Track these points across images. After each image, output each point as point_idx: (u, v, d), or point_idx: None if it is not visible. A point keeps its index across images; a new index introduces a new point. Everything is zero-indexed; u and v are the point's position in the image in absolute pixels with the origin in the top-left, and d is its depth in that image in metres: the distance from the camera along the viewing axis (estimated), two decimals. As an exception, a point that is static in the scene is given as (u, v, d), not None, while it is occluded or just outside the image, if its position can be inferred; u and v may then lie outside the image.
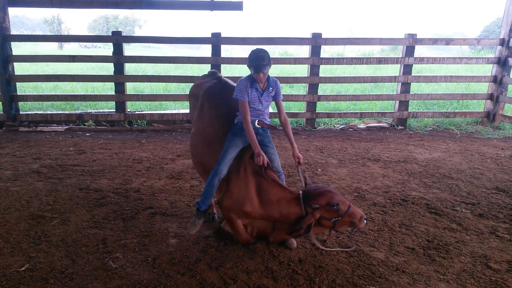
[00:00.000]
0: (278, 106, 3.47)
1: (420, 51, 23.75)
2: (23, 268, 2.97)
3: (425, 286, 2.90)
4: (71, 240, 3.42)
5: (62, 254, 3.20)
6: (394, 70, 14.06)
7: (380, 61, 8.77)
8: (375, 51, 22.73)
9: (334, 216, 3.13)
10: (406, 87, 8.44)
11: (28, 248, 3.28)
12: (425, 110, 9.27)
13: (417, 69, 14.48)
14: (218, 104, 3.58)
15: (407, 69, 8.35)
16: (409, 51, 8.27)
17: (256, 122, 3.33)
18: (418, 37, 8.23)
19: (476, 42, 9.39)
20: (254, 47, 3.31)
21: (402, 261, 3.22)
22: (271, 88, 3.33)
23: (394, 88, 10.92)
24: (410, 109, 8.82)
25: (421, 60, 8.64)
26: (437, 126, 8.66)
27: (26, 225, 3.70)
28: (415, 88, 11.16)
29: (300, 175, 3.40)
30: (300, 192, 3.22)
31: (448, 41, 8.62)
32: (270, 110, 3.56)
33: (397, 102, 8.58)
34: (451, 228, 3.83)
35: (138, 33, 53.70)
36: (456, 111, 8.93)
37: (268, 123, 3.46)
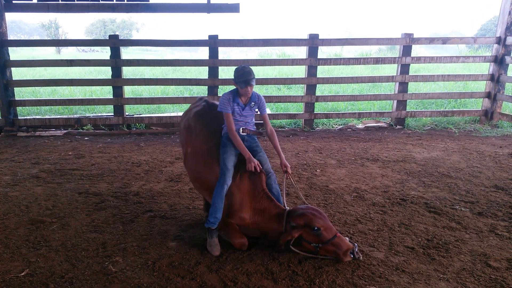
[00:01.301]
0: (263, 119, 3.61)
1: (417, 50, 23.80)
2: (23, 273, 2.97)
3: (425, 285, 2.90)
4: (71, 245, 3.42)
5: (62, 258, 3.19)
6: (391, 70, 14.10)
7: (377, 61, 8.79)
8: (372, 51, 22.78)
9: (315, 241, 3.16)
10: (403, 86, 8.46)
11: (27, 253, 3.27)
12: (423, 110, 9.29)
13: (415, 69, 14.51)
14: (209, 123, 3.73)
15: (405, 69, 8.36)
16: (406, 50, 8.28)
17: (241, 130, 3.48)
18: (415, 36, 8.25)
19: (472, 40, 9.42)
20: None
21: (402, 261, 3.22)
22: (253, 103, 3.49)
23: (391, 88, 10.94)
24: (408, 109, 8.84)
25: (418, 59, 8.66)
26: (435, 125, 8.68)
27: (25, 230, 3.70)
28: (412, 87, 11.18)
29: (284, 183, 3.55)
30: (286, 209, 3.32)
31: (444, 40, 8.65)
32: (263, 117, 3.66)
33: (395, 101, 8.59)
34: (451, 227, 3.83)
35: (135, 36, 53.84)
36: (454, 110, 8.95)
37: (254, 129, 3.59)
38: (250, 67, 3.41)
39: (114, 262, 3.14)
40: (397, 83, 8.48)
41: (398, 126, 8.55)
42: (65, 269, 3.03)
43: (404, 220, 3.99)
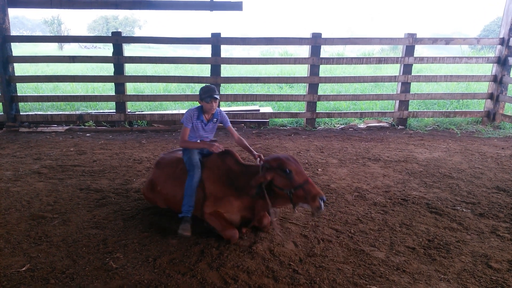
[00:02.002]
0: (229, 131, 3.96)
1: (420, 50, 23.74)
2: (24, 268, 2.97)
3: (425, 285, 2.90)
4: (72, 240, 3.42)
5: (63, 254, 3.20)
6: (394, 70, 14.08)
7: (380, 60, 8.77)
8: (375, 51, 22.74)
9: (287, 186, 3.21)
10: (406, 86, 8.45)
11: (29, 249, 3.27)
12: (425, 110, 9.28)
13: (417, 69, 14.49)
14: (171, 155, 4.11)
15: (407, 69, 8.36)
16: (409, 50, 8.27)
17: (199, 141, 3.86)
18: (418, 36, 8.24)
19: (476, 41, 9.39)
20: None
21: (403, 261, 3.22)
22: (215, 119, 3.89)
23: (394, 88, 10.93)
24: (410, 109, 8.83)
25: (421, 59, 8.64)
26: (437, 125, 8.66)
27: (26, 225, 3.70)
28: (415, 87, 11.17)
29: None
30: (261, 163, 3.46)
31: (448, 41, 8.63)
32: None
33: (397, 101, 8.58)
34: (452, 227, 3.82)
35: (138, 33, 53.76)
36: (456, 110, 8.93)
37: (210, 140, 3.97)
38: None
39: (115, 258, 3.14)
40: (400, 83, 8.47)
41: (400, 126, 8.54)
42: (66, 265, 3.03)
43: (405, 220, 3.98)
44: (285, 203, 3.41)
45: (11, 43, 8.10)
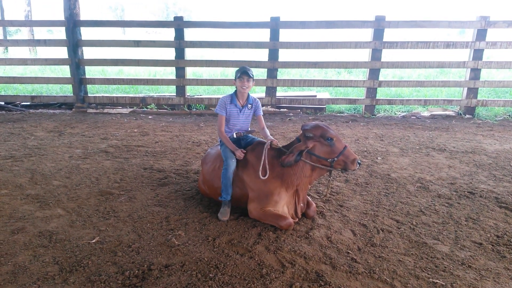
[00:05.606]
0: (258, 119, 3.91)
1: (490, 35, 22.19)
2: (94, 241, 3.16)
3: (493, 283, 2.73)
4: (137, 216, 3.59)
5: (129, 229, 3.37)
6: (460, 55, 13.24)
7: (448, 45, 8.26)
8: (439, 36, 21.54)
9: (329, 154, 3.28)
10: (475, 73, 7.93)
11: (98, 222, 3.48)
12: (495, 98, 8.68)
13: (487, 55, 13.54)
14: (216, 149, 4.10)
15: (478, 54, 7.83)
16: (481, 34, 7.73)
17: (235, 134, 3.84)
18: (491, 19, 7.67)
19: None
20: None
21: (469, 256, 3.06)
22: (250, 105, 3.82)
23: (461, 75, 10.31)
24: (479, 97, 8.29)
25: (494, 44, 8.04)
26: (509, 115, 8.08)
27: (96, 200, 3.93)
28: (484, 74, 10.45)
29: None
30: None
31: (525, 24, 7.95)
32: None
33: (465, 89, 8.09)
34: (524, 224, 3.57)
35: (194, 18, 54.74)
36: (532, 99, 8.26)
37: (247, 130, 3.91)
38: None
39: (177, 235, 3.25)
40: (469, 69, 7.97)
41: (467, 115, 8.06)
42: (132, 239, 3.19)
43: (472, 214, 3.77)
44: (319, 175, 3.46)
45: (80, 28, 8.54)
